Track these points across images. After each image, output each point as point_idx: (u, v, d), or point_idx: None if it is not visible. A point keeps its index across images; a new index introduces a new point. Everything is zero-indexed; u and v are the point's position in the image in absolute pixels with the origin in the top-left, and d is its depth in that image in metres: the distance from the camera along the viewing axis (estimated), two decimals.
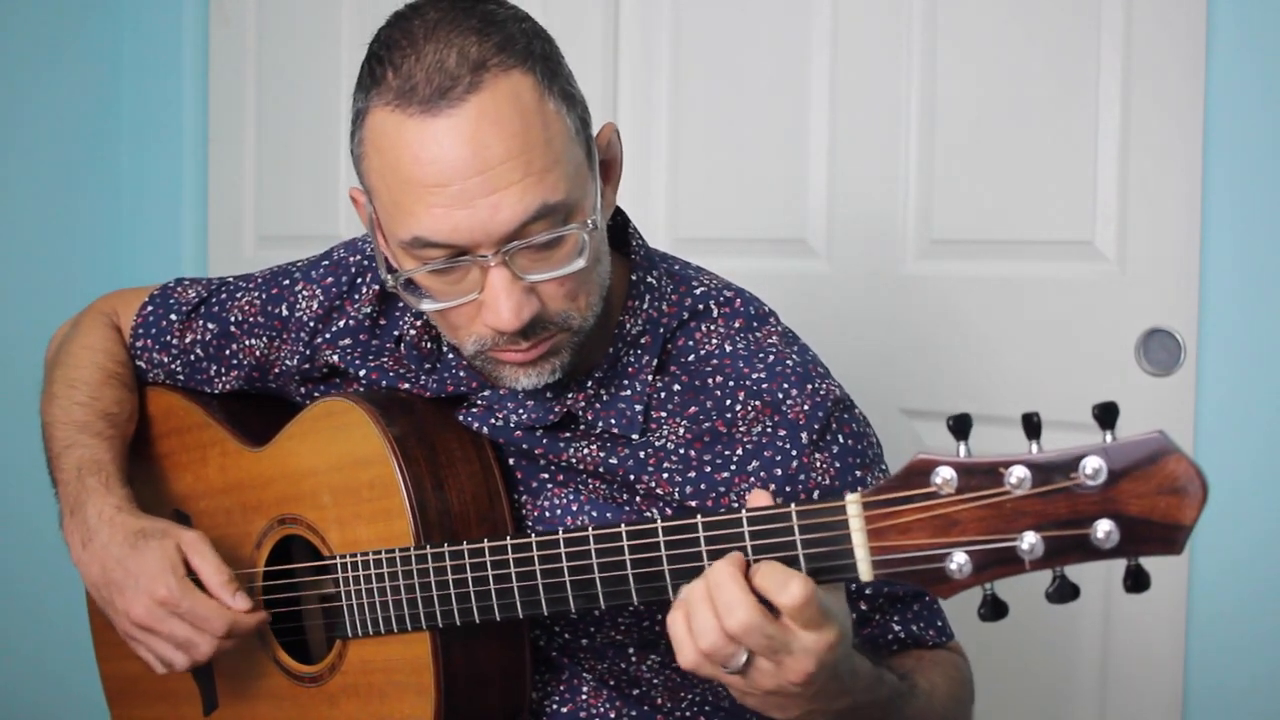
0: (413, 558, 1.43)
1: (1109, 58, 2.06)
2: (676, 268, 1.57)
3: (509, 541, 1.36)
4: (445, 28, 1.31)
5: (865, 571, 1.13)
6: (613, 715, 1.54)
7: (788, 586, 1.14)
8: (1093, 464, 1.03)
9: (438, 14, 1.33)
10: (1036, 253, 2.15)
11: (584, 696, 1.55)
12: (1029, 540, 1.05)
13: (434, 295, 1.38)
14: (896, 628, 1.49)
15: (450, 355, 1.55)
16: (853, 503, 1.13)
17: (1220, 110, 1.96)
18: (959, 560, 1.07)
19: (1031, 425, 1.05)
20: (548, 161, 1.31)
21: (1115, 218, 2.07)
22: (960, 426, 1.08)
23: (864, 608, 1.47)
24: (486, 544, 1.38)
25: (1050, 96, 2.11)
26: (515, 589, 1.36)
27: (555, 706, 1.55)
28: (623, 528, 1.26)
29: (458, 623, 1.41)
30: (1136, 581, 1.05)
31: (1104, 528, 1.03)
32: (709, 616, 1.17)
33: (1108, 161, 2.07)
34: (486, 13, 1.34)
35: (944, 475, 1.08)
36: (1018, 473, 1.05)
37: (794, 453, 1.43)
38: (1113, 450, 1.03)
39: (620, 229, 1.54)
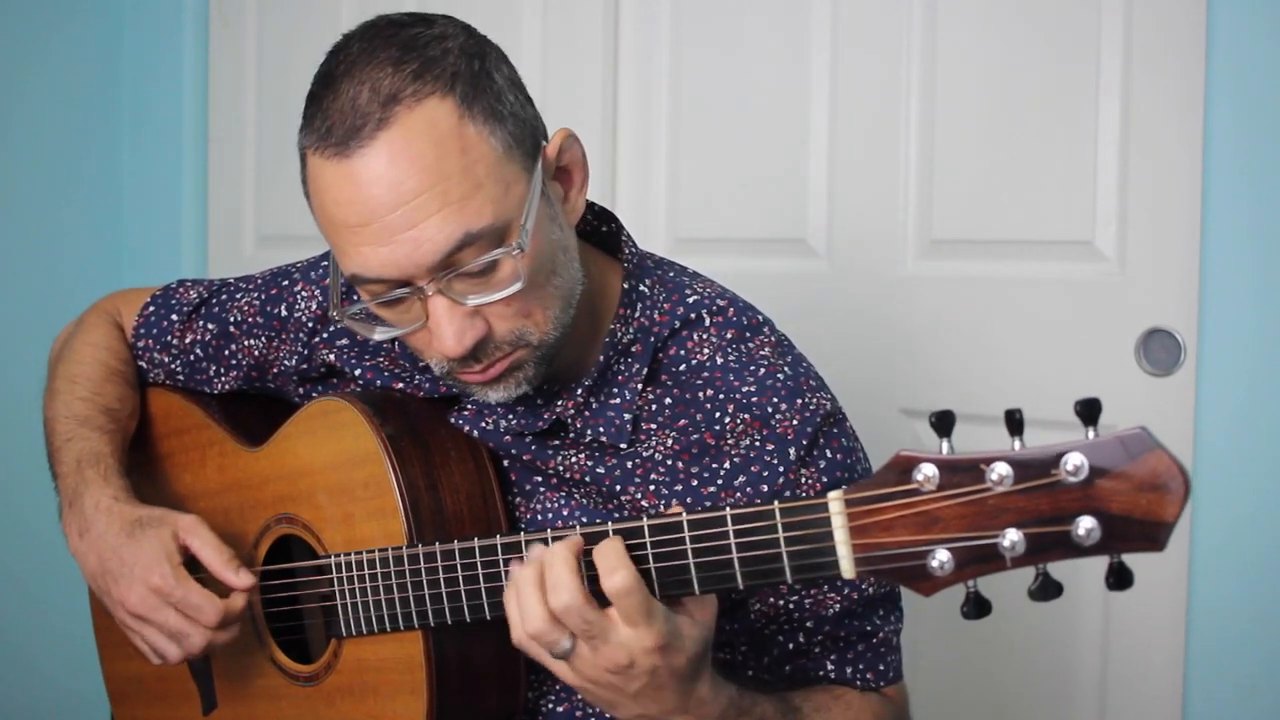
0: (405, 557, 1.44)
1: (1109, 58, 2.06)
2: (671, 275, 1.56)
3: (499, 541, 1.36)
4: (362, 63, 1.31)
5: (848, 569, 1.13)
6: (608, 715, 1.54)
7: (615, 573, 1.20)
8: (1074, 460, 1.02)
9: (361, 45, 1.33)
10: (1036, 253, 2.15)
11: (579, 696, 1.55)
12: (1010, 537, 1.05)
13: (388, 324, 1.40)
14: (831, 667, 1.49)
15: None
16: (835, 500, 1.13)
17: (1220, 110, 1.96)
18: (941, 557, 1.07)
19: (1014, 422, 1.05)
20: (466, 188, 1.30)
21: (1115, 218, 2.06)
22: (942, 423, 1.08)
23: (801, 640, 1.48)
24: (477, 543, 1.38)
25: (1050, 97, 2.11)
26: (505, 588, 1.36)
27: (551, 706, 1.55)
28: (610, 527, 1.26)
29: (449, 621, 1.41)
30: (1119, 579, 1.04)
31: (1085, 524, 1.02)
32: (536, 599, 1.22)
33: (1108, 161, 2.07)
34: (410, 38, 1.33)
35: (926, 472, 1.07)
36: (999, 469, 1.05)
37: (781, 468, 1.43)
38: (1094, 447, 1.02)
39: (614, 235, 1.54)
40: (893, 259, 2.27)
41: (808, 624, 1.47)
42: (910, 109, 2.25)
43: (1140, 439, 1.02)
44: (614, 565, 1.20)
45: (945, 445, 1.09)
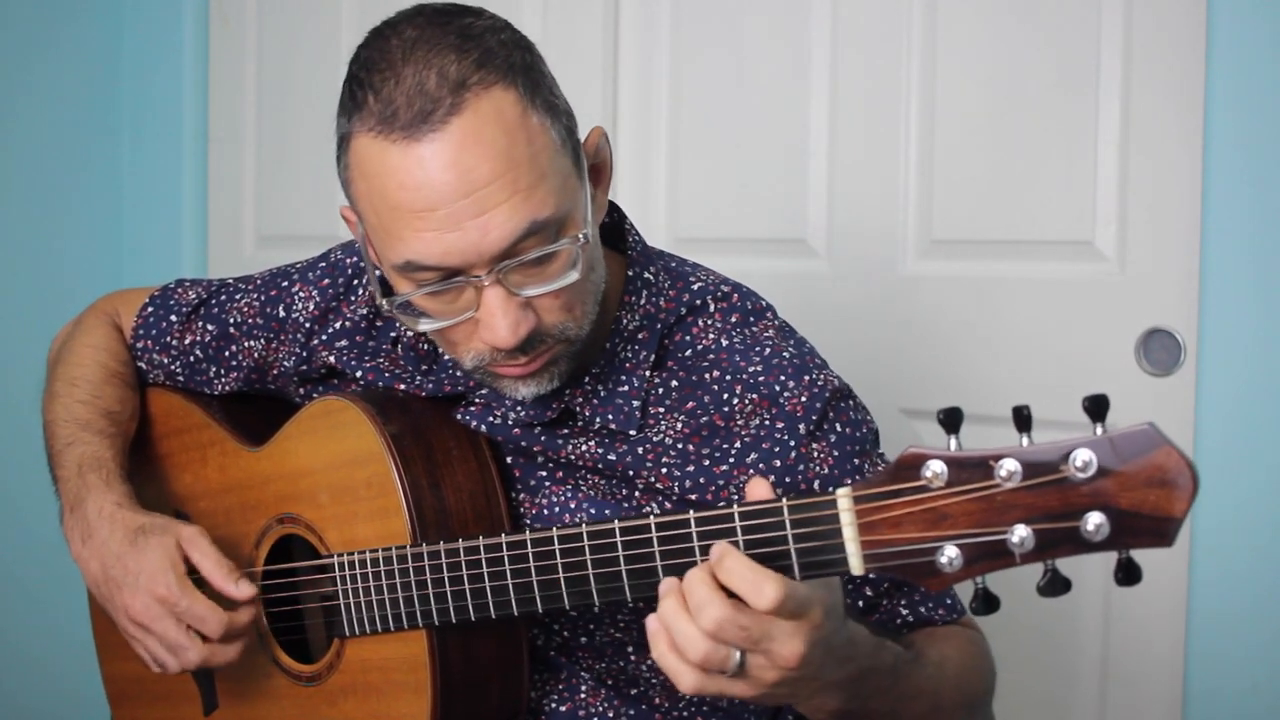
0: (409, 556, 1.44)
1: (1109, 58, 2.06)
2: (673, 264, 1.57)
3: (504, 539, 1.36)
4: (423, 47, 1.30)
5: (856, 565, 1.13)
6: (611, 714, 1.54)
7: (762, 591, 1.13)
8: (1083, 457, 1.02)
9: (415, 31, 1.32)
10: (1036, 253, 2.15)
11: (582, 695, 1.55)
12: (1019, 533, 1.05)
13: (431, 315, 1.38)
14: (904, 611, 1.48)
15: (446, 356, 1.55)
16: (843, 496, 1.13)
17: (1220, 110, 1.96)
18: (950, 553, 1.07)
19: (1021, 418, 1.05)
20: (534, 178, 1.30)
21: (1115, 218, 2.06)
22: (951, 420, 1.08)
23: (869, 593, 1.47)
24: (481, 541, 1.38)
25: (1050, 97, 2.11)
26: (510, 586, 1.36)
27: (554, 705, 1.55)
28: (616, 524, 1.26)
29: (453, 620, 1.41)
30: (1128, 574, 1.04)
31: (1094, 520, 1.02)
32: (687, 625, 1.16)
33: (1108, 161, 2.07)
34: (464, 27, 1.32)
35: (934, 469, 1.07)
36: (1008, 466, 1.05)
37: (792, 444, 1.43)
38: (1102, 443, 1.03)
39: (616, 225, 1.54)
40: (893, 259, 2.28)
41: (870, 575, 1.45)
42: (910, 109, 2.25)
43: (1148, 435, 1.02)
44: (757, 583, 1.13)
45: (953, 442, 1.08)
